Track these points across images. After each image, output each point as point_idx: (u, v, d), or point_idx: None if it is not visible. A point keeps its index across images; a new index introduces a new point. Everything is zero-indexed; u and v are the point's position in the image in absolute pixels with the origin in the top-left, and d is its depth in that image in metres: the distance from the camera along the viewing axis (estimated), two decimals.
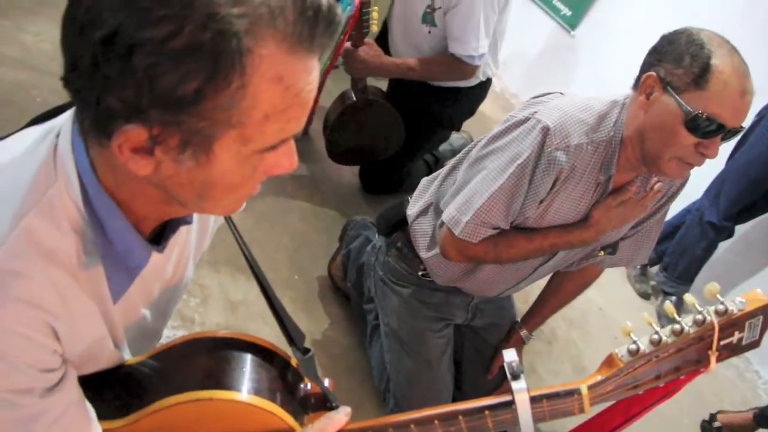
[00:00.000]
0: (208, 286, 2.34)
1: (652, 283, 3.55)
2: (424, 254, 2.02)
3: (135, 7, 0.67)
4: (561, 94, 1.77)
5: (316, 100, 2.84)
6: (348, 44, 2.70)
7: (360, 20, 2.60)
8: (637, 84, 1.60)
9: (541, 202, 1.71)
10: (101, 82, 0.70)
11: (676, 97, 1.49)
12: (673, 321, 1.15)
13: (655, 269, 3.57)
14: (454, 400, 2.24)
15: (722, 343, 1.16)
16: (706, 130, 1.48)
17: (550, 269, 2.02)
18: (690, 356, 1.16)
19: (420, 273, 2.09)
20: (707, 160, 1.56)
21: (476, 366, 2.29)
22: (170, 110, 0.71)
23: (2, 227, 0.78)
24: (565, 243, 1.79)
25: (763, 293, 1.17)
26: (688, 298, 1.15)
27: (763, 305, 1.17)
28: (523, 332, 2.27)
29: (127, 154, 0.74)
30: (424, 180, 2.11)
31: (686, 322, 1.16)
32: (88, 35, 0.69)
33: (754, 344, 1.20)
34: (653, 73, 1.54)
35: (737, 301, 1.17)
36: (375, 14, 2.61)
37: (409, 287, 2.14)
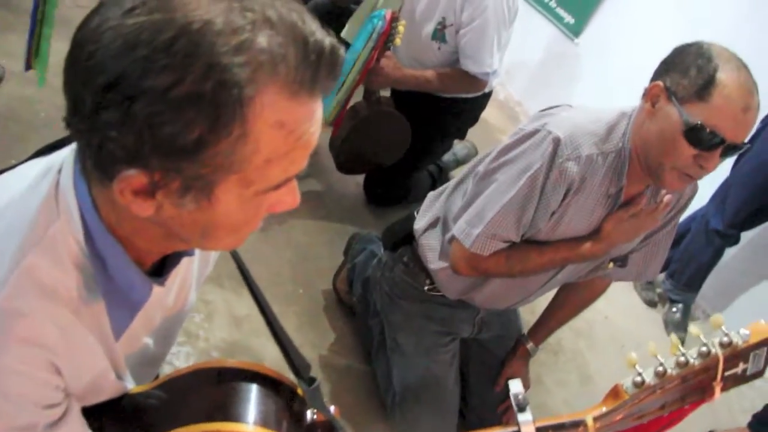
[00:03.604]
0: (213, 302, 2.34)
1: (658, 290, 3.52)
2: (432, 267, 2.01)
3: (137, 56, 0.66)
4: (570, 106, 1.77)
5: (341, 114, 2.84)
6: None
7: (388, 34, 2.58)
8: (646, 93, 1.60)
9: (553, 214, 1.70)
10: (102, 128, 0.70)
11: (679, 106, 1.49)
12: (678, 353, 1.15)
13: (661, 277, 3.54)
14: (461, 413, 2.24)
15: (727, 374, 1.16)
16: (705, 141, 1.47)
17: (559, 282, 2.02)
18: (694, 387, 1.16)
19: (426, 287, 2.09)
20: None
21: (483, 379, 2.29)
22: (171, 158, 0.71)
23: (4, 266, 0.78)
24: (576, 256, 1.78)
25: (766, 324, 1.17)
26: (693, 329, 1.15)
27: (767, 337, 1.17)
28: (530, 345, 2.27)
29: (129, 197, 0.74)
30: (431, 194, 2.11)
31: (691, 354, 1.15)
32: (90, 80, 0.69)
33: (758, 374, 1.21)
34: (660, 83, 1.54)
35: (741, 333, 1.17)
36: (401, 28, 2.57)
37: (415, 302, 2.14)
